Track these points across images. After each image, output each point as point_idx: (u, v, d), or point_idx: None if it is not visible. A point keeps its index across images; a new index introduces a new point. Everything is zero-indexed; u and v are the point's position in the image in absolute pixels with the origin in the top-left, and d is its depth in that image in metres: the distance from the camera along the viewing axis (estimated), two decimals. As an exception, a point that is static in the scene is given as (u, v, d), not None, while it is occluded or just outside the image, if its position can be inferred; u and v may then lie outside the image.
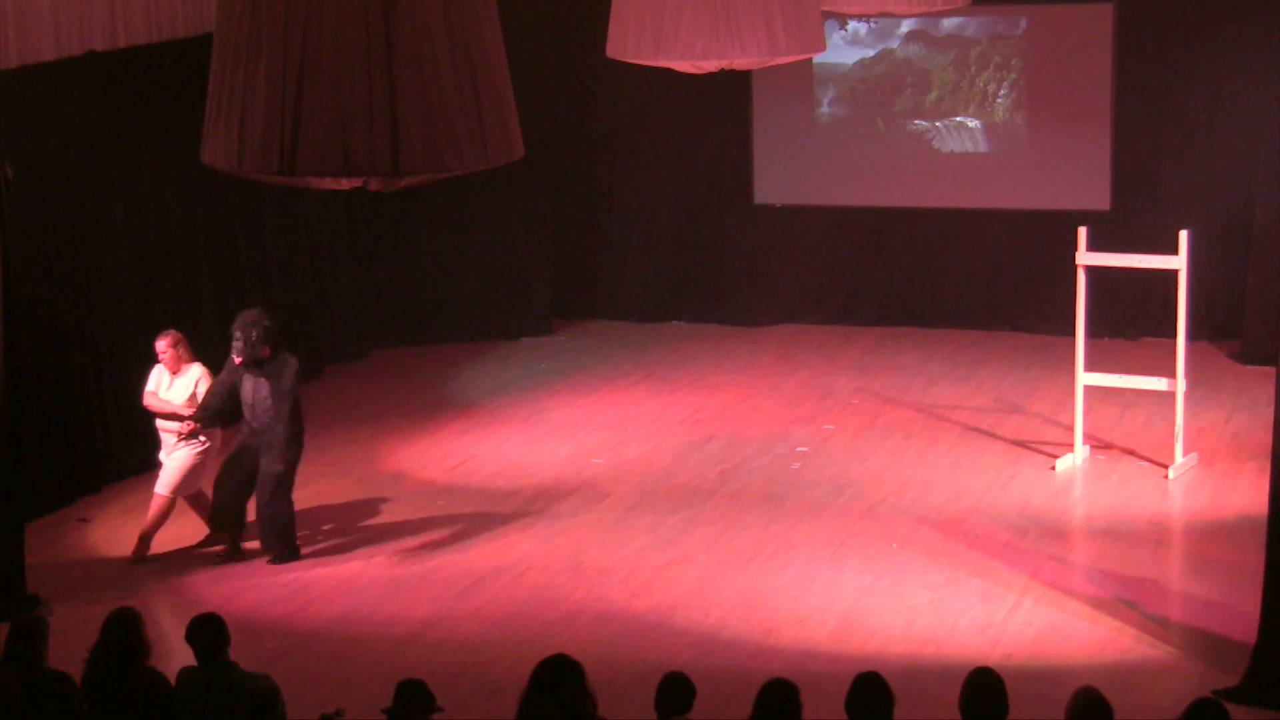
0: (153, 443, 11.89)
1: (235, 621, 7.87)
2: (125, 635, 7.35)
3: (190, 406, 11.51)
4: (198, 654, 7.40)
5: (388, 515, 12.41)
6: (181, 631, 7.51)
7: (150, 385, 11.68)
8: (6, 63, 12.24)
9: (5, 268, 10.55)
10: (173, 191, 14.03)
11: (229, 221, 14.88)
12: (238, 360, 11.32)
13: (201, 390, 11.54)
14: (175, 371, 11.63)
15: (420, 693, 6.82)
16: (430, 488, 13.03)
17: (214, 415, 11.50)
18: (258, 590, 11.08)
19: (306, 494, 12.80)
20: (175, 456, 11.60)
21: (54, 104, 12.81)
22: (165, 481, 11.62)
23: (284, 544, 11.52)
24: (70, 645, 8.31)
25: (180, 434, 11.50)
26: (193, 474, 11.63)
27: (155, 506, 11.64)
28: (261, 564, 11.46)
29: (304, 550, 11.60)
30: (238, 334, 11.30)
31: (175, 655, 7.77)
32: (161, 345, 11.65)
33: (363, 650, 10.13)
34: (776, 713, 6.45)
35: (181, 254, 14.22)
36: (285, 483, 11.44)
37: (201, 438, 11.55)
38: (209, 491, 11.65)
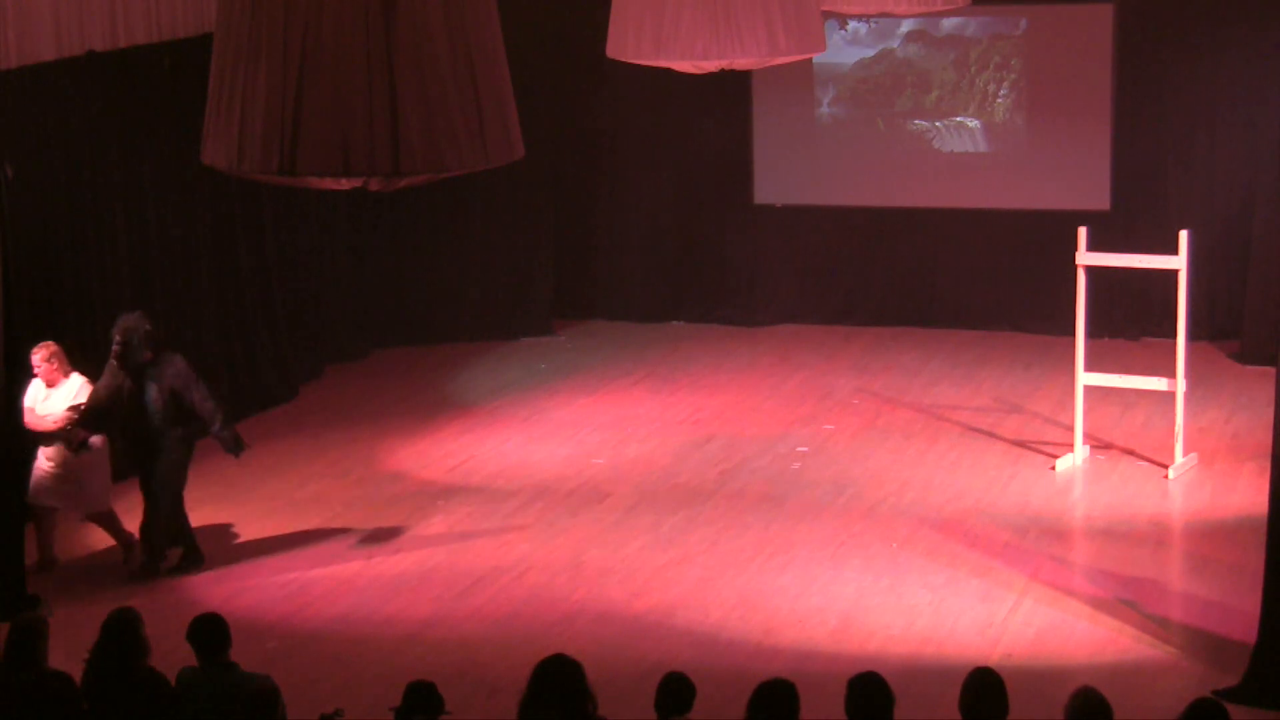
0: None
1: (235, 621, 7.87)
2: (125, 635, 7.34)
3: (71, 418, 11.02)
4: (198, 654, 7.40)
5: (388, 515, 12.40)
6: (181, 631, 7.51)
7: (27, 401, 11.05)
8: (6, 63, 12.24)
9: (5, 268, 10.54)
10: (173, 191, 14.03)
11: (229, 221, 14.87)
12: (118, 365, 11.05)
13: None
14: (52, 384, 11.13)
15: (429, 695, 6.84)
16: (430, 488, 13.02)
17: (100, 418, 11.05)
18: (258, 590, 11.07)
19: (306, 494, 12.84)
20: (54, 470, 11.16)
21: (54, 104, 12.81)
22: (86, 502, 11.35)
23: (179, 543, 11.30)
24: (70, 645, 8.32)
25: (70, 442, 11.02)
26: (93, 485, 11.23)
27: (101, 526, 11.49)
28: (262, 564, 11.44)
29: (303, 549, 11.59)
30: (117, 338, 11.00)
31: (175, 655, 7.75)
32: (37, 358, 11.09)
33: (363, 650, 10.13)
34: (768, 716, 6.45)
35: (181, 254, 14.22)
36: (178, 482, 11.20)
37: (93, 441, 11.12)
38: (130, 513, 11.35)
